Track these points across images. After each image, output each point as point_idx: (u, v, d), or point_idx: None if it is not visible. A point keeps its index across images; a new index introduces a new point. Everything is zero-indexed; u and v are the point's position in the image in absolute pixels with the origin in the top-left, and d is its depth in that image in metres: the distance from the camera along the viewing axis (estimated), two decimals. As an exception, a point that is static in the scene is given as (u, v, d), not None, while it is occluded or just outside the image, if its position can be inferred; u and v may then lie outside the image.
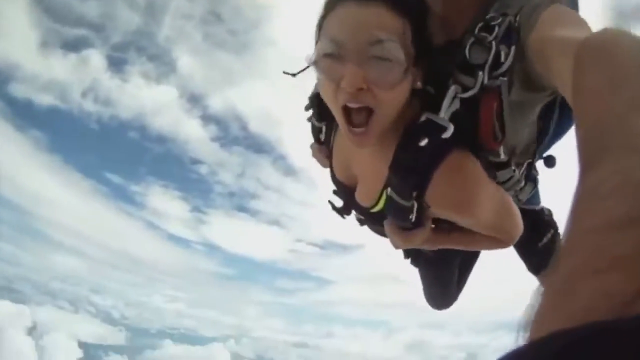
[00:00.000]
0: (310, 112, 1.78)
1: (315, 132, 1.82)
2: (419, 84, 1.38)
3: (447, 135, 1.33)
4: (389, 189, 1.50)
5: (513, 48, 1.31)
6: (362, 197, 1.69)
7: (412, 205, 1.46)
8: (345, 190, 1.78)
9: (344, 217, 1.85)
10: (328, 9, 1.33)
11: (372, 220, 1.72)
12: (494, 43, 1.33)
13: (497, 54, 1.33)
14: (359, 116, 1.32)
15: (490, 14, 1.40)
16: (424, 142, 1.35)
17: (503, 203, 1.58)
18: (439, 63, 1.43)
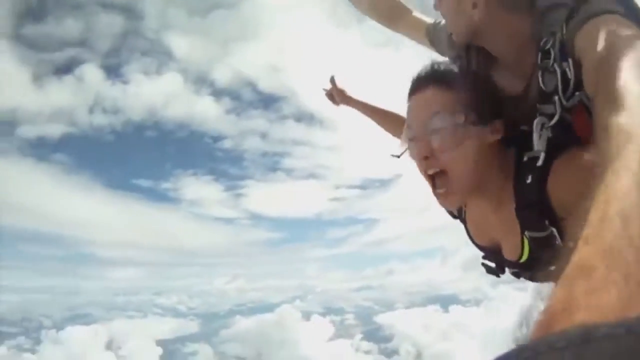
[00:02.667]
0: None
1: (448, 211, 2.04)
2: (490, 138, 1.58)
3: (540, 162, 1.46)
4: (526, 233, 1.63)
5: (571, 61, 1.39)
6: (509, 253, 1.79)
7: (552, 232, 1.55)
8: (493, 252, 1.91)
9: (499, 276, 1.98)
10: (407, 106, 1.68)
11: (526, 269, 1.81)
12: (556, 65, 1.44)
13: (564, 73, 1.42)
14: (440, 181, 1.58)
15: (544, 39, 1.50)
16: (529, 179, 1.51)
17: None
18: (522, 107, 1.60)
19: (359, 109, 2.69)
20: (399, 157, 1.75)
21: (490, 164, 1.60)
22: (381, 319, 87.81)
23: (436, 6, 1.77)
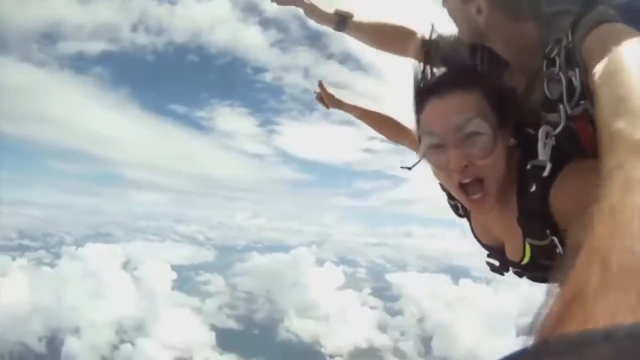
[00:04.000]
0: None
1: (454, 208, 2.03)
2: (512, 141, 1.56)
3: (545, 173, 1.45)
4: (528, 239, 1.64)
5: (577, 70, 1.38)
6: (511, 254, 1.82)
7: (552, 241, 1.56)
8: (496, 251, 1.91)
9: (503, 275, 2.00)
10: (419, 111, 1.58)
11: (528, 270, 1.84)
12: (561, 74, 1.43)
13: (570, 82, 1.41)
14: (474, 187, 1.51)
15: (549, 47, 1.50)
16: (533, 188, 1.49)
17: None
18: (528, 111, 1.60)
19: (350, 112, 2.66)
20: (410, 169, 1.73)
21: (508, 168, 1.57)
22: (392, 277, 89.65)
23: (443, 3, 1.76)
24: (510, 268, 1.87)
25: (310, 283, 79.49)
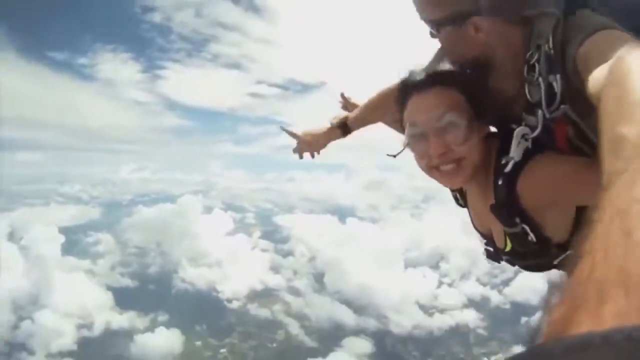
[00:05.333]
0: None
1: (455, 199, 2.19)
2: (486, 131, 1.76)
3: (507, 169, 1.60)
4: (503, 227, 1.77)
5: (558, 76, 1.42)
6: (497, 241, 1.94)
7: (523, 229, 1.70)
8: (489, 239, 2.03)
9: (499, 262, 2.09)
10: (403, 106, 1.79)
11: (514, 258, 1.94)
12: (540, 79, 1.48)
13: (549, 87, 1.45)
14: (447, 163, 1.70)
15: (529, 52, 1.54)
16: (500, 181, 1.64)
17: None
18: (509, 111, 1.71)
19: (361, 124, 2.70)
20: (395, 156, 1.91)
21: (483, 156, 1.74)
22: (280, 220, 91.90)
23: (432, 35, 1.79)
24: (502, 257, 2.01)
25: (199, 231, 79.62)
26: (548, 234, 1.72)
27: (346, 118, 2.58)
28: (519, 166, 1.59)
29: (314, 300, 65.80)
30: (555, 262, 1.83)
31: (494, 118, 1.82)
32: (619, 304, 0.40)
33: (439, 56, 1.97)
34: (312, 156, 2.76)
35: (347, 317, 61.59)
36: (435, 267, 79.67)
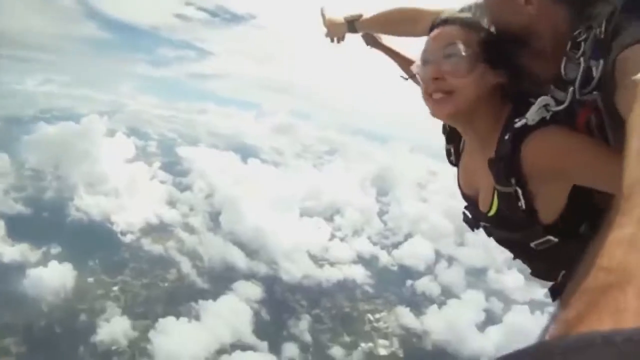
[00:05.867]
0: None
1: (447, 154, 2.19)
2: (493, 80, 1.76)
3: (518, 125, 1.61)
4: (495, 185, 1.77)
5: (601, 62, 1.39)
6: (482, 204, 1.94)
7: (516, 191, 1.69)
8: (472, 203, 2.06)
9: (473, 230, 2.12)
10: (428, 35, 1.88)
11: (494, 225, 1.95)
12: (582, 59, 1.46)
13: (588, 70, 1.44)
14: (437, 95, 1.77)
15: (578, 30, 1.50)
16: (507, 136, 1.66)
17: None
18: (536, 77, 1.70)
19: (384, 52, 2.92)
20: (406, 79, 2.06)
21: (487, 104, 1.79)
22: (182, 152, 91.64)
23: None
24: (481, 222, 2.08)
25: (100, 155, 77.07)
26: (539, 209, 1.77)
27: (359, 17, 2.76)
28: (529, 129, 1.64)
29: (208, 239, 66.77)
30: (533, 245, 1.85)
31: (514, 89, 1.84)
32: (632, 307, 0.41)
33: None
34: (332, 41, 2.98)
35: (240, 260, 63.24)
36: (329, 219, 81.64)
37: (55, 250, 55.84)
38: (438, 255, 71.32)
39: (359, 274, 65.77)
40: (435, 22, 1.90)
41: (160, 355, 45.85)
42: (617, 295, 0.44)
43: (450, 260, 70.19)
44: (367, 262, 69.79)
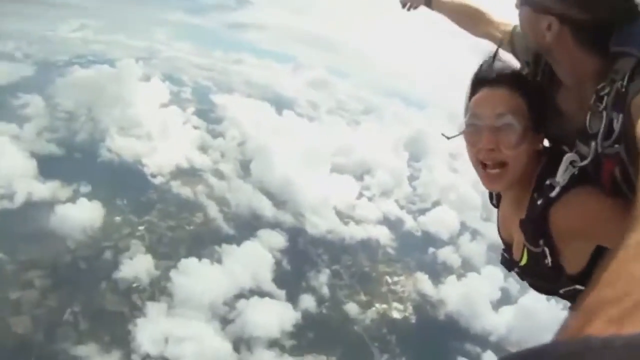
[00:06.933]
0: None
1: (490, 197, 2.26)
2: (540, 146, 1.84)
3: (553, 194, 1.66)
4: (525, 243, 1.87)
5: (621, 116, 1.44)
6: (515, 252, 2.02)
7: (543, 251, 1.76)
8: (508, 248, 2.13)
9: (510, 271, 2.16)
10: (472, 93, 1.91)
11: (524, 273, 2.03)
12: (604, 113, 1.51)
13: (610, 123, 1.49)
14: (494, 166, 1.80)
15: (602, 83, 1.56)
16: (540, 201, 1.71)
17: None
18: (568, 128, 1.75)
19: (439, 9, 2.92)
20: (449, 138, 2.03)
21: (527, 166, 1.86)
22: (217, 99, 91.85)
23: (516, 6, 1.85)
24: (515, 268, 2.15)
25: (134, 99, 77.57)
26: (564, 264, 1.83)
27: None
28: (560, 192, 1.68)
29: (237, 185, 67.12)
30: (561, 292, 1.95)
31: (549, 133, 1.93)
32: (631, 323, 0.43)
33: (520, 50, 2.08)
34: (404, 7, 3.11)
35: (267, 208, 63.75)
36: (359, 178, 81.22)
37: (85, 188, 57.04)
38: (463, 227, 70.11)
39: (382, 235, 65.64)
40: (482, 78, 1.93)
41: (180, 295, 47.08)
42: (618, 303, 0.46)
43: (475, 233, 68.41)
44: (392, 224, 69.49)
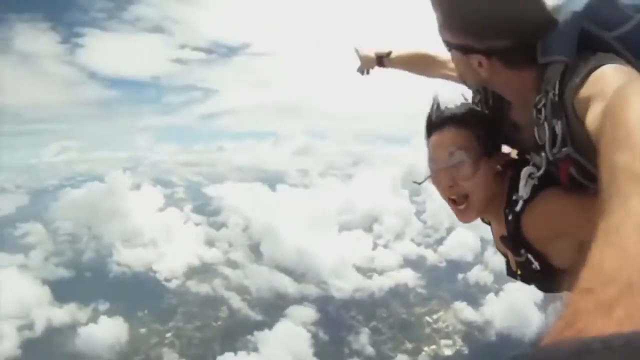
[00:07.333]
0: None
1: (483, 220, 2.29)
2: (498, 168, 1.95)
3: (517, 208, 1.77)
4: (513, 256, 1.97)
5: (560, 122, 1.50)
6: (512, 264, 2.12)
7: (527, 258, 1.86)
8: (507, 260, 2.21)
9: (517, 280, 2.20)
10: (427, 141, 2.04)
11: (526, 280, 2.09)
12: (545, 124, 1.57)
13: (553, 131, 1.54)
14: (460, 200, 1.93)
15: (538, 96, 1.62)
16: (510, 217, 1.82)
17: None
18: (528, 145, 1.82)
19: (396, 66, 2.95)
20: (419, 183, 2.12)
21: (496, 188, 1.94)
22: (210, 191, 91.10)
23: (448, 50, 1.89)
24: (517, 277, 2.17)
25: (130, 209, 77.52)
26: (553, 262, 1.87)
27: (388, 54, 2.91)
28: (525, 203, 1.77)
29: (252, 271, 65.90)
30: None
31: (514, 147, 2.04)
32: (618, 311, 0.43)
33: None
34: (362, 74, 3.16)
35: (288, 285, 62.31)
36: (368, 229, 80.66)
37: (103, 306, 55.51)
38: (483, 242, 68.13)
39: (408, 277, 64.12)
40: (430, 125, 2.02)
41: (227, 391, 44.87)
42: (602, 291, 0.47)
43: (497, 244, 67.52)
44: (415, 263, 68.35)
